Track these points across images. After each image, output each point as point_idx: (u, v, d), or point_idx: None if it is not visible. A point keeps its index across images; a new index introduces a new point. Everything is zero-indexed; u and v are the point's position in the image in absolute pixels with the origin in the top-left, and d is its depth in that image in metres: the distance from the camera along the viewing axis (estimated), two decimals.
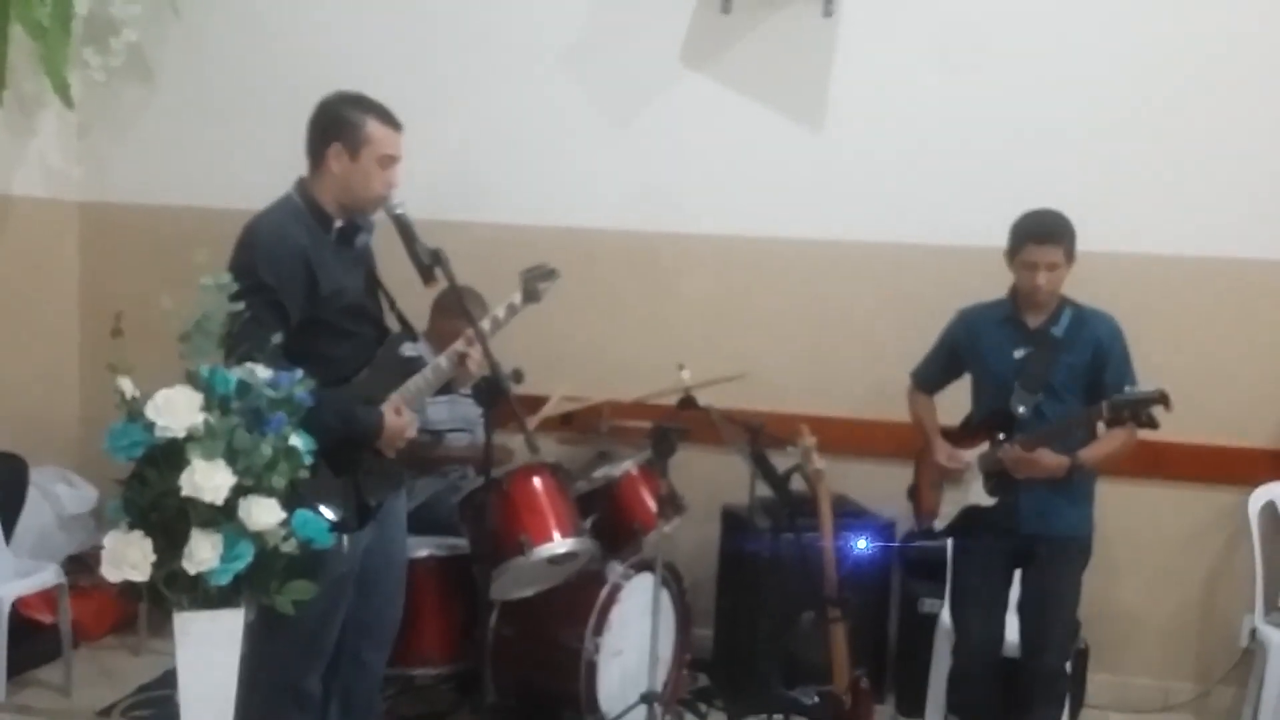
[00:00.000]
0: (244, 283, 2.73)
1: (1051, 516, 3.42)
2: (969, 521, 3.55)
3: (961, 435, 3.63)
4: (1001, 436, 3.44)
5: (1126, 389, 3.25)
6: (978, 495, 3.50)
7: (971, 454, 3.54)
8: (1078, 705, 4.08)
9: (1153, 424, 3.24)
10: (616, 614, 3.69)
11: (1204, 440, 4.15)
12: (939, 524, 3.65)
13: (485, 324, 3.09)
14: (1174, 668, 4.33)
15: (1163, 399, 3.18)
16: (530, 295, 3.16)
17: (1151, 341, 4.07)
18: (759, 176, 4.47)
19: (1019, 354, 3.45)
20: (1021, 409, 3.40)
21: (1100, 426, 3.44)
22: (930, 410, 3.75)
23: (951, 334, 3.69)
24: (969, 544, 3.60)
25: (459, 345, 3.06)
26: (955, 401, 3.70)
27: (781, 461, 3.63)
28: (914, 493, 3.79)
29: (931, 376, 3.76)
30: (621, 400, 4.14)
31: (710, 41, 4.47)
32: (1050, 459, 3.33)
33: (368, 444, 2.96)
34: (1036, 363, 3.42)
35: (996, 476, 3.46)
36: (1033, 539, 3.45)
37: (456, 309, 3.21)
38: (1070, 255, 3.38)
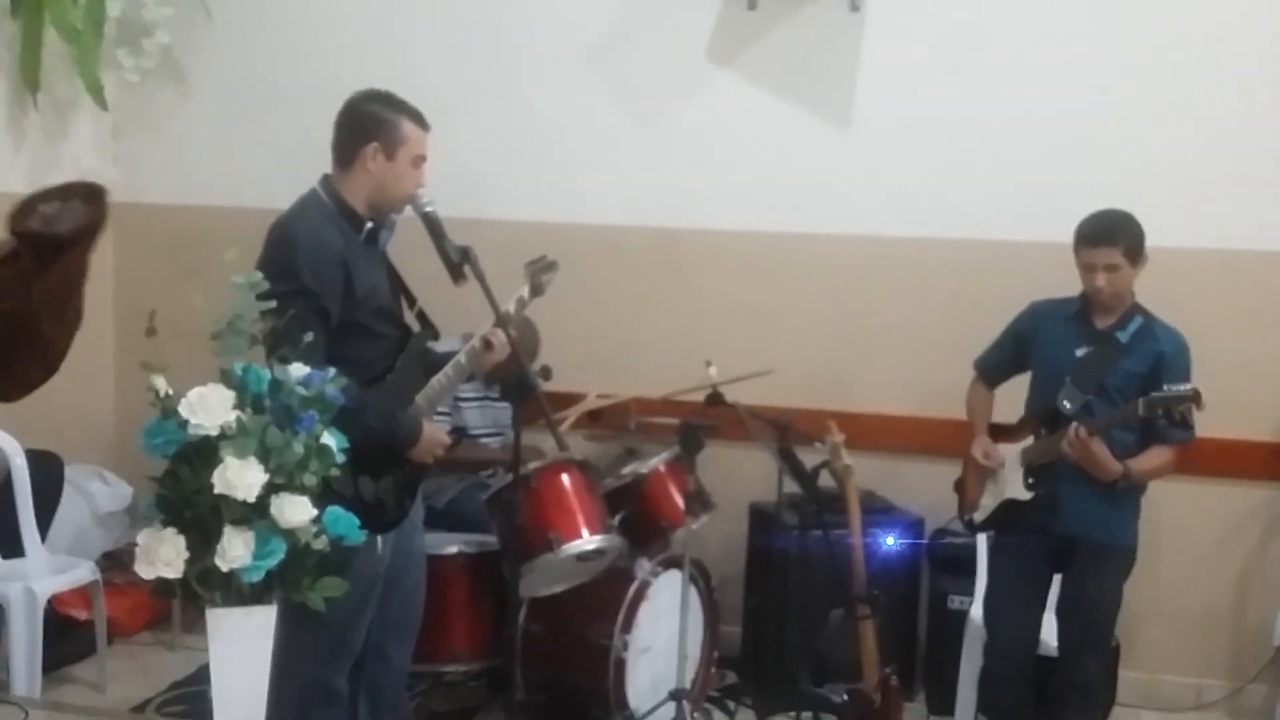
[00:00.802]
0: (287, 285, 2.76)
1: (1092, 521, 3.39)
2: (1008, 517, 3.54)
3: (1009, 431, 3.62)
4: (1044, 431, 3.43)
5: (1165, 387, 3.20)
6: (1016, 489, 3.50)
7: (1011, 450, 3.54)
8: (1109, 703, 4.05)
9: (1185, 424, 3.23)
10: (645, 611, 3.69)
11: (1236, 435, 4.12)
12: (978, 516, 3.65)
13: (501, 316, 3.12)
14: (1206, 665, 4.31)
15: (1195, 397, 3.15)
16: (537, 289, 3.19)
17: (1186, 336, 4.06)
18: (785, 172, 4.47)
19: (1080, 352, 3.43)
20: (1067, 404, 3.37)
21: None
22: (984, 403, 3.73)
23: (1018, 324, 3.66)
24: (1006, 541, 3.60)
25: (476, 342, 3.08)
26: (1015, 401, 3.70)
27: (809, 458, 3.63)
28: (960, 485, 3.78)
29: (994, 366, 3.73)
30: (649, 397, 4.16)
31: (736, 37, 4.47)
32: (1106, 456, 3.29)
33: (403, 450, 2.99)
34: (1095, 362, 3.40)
35: (1038, 471, 3.45)
36: (1072, 540, 3.43)
37: (519, 322, 3.23)
38: (1134, 257, 3.34)
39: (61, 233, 1.66)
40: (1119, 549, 3.46)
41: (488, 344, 3.05)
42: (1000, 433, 3.65)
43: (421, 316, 3.23)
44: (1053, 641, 3.56)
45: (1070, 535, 3.43)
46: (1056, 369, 3.47)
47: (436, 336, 3.28)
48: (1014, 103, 4.26)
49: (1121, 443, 3.36)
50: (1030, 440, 3.50)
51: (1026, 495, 3.47)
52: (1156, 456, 3.39)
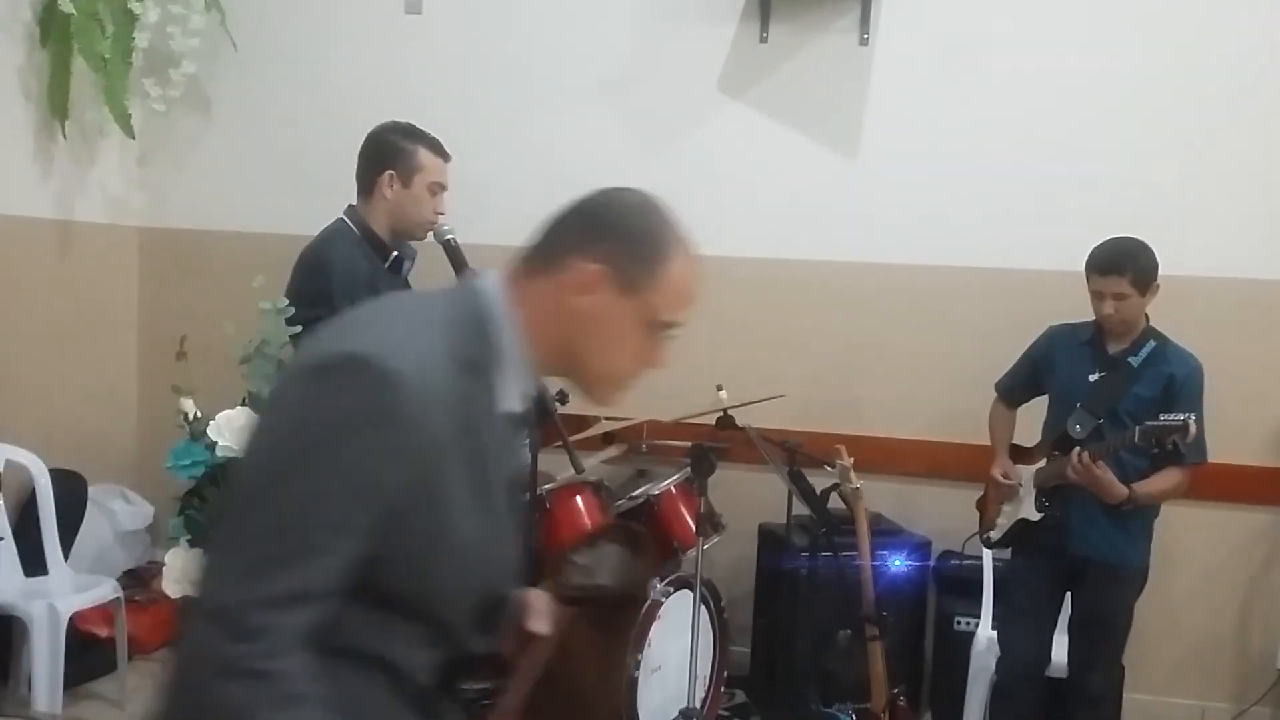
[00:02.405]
0: (321, 312, 2.84)
1: (1102, 543, 3.43)
2: (1021, 538, 3.59)
3: (1027, 453, 3.68)
4: (1055, 453, 3.49)
5: (1161, 417, 3.24)
6: (1028, 510, 3.55)
7: (1028, 471, 3.59)
8: None
9: (1177, 454, 3.26)
10: (656, 630, 3.72)
11: (1240, 461, 4.15)
12: (994, 535, 3.71)
13: None
14: (1210, 688, 4.33)
15: (1183, 428, 3.17)
16: None
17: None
18: (796, 201, 4.54)
19: (1093, 377, 3.47)
20: (1078, 428, 3.42)
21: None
22: (1005, 424, 3.78)
23: (1035, 348, 3.71)
24: (1019, 562, 3.64)
25: None
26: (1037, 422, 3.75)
27: (819, 481, 3.69)
28: (981, 504, 3.83)
29: (1012, 388, 3.78)
30: (661, 420, 4.21)
31: (748, 70, 4.55)
32: (1110, 479, 3.32)
33: None
34: (1106, 387, 3.44)
35: (1049, 493, 3.51)
36: (1084, 561, 3.47)
37: None
38: (1142, 286, 3.36)
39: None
40: (1129, 570, 3.49)
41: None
42: (1020, 454, 3.70)
43: None
44: (1064, 660, 3.59)
45: (1082, 556, 3.47)
46: (1070, 393, 3.52)
47: None
48: (1021, 132, 4.33)
49: (1133, 465, 3.40)
50: (1044, 462, 3.56)
51: (1037, 515, 3.52)
52: (1165, 479, 3.41)
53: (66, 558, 4.26)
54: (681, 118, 4.63)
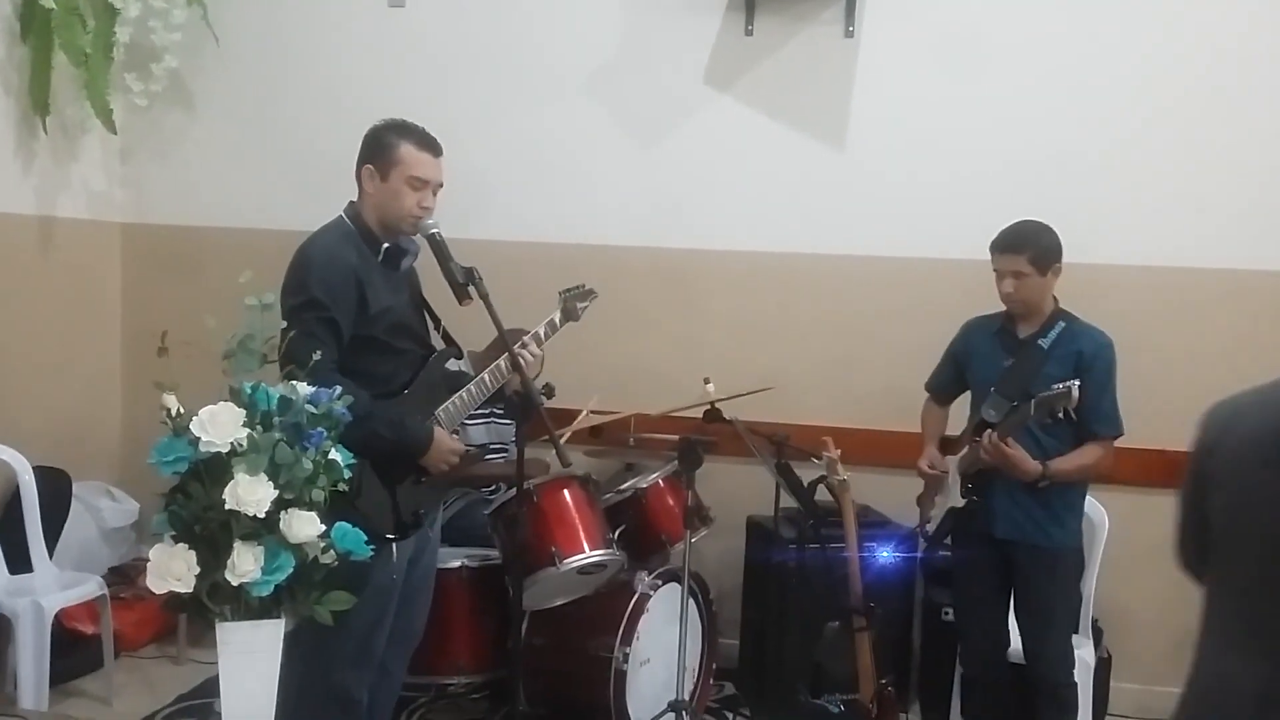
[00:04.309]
0: (298, 299, 2.87)
1: (1027, 523, 3.44)
2: (955, 526, 3.62)
3: (954, 442, 3.71)
4: (976, 440, 3.50)
5: (1052, 387, 3.24)
6: (954, 498, 3.58)
7: (954, 460, 3.62)
8: (1101, 713, 4.10)
9: (1069, 418, 3.27)
10: (644, 623, 3.75)
11: None
12: (929, 527, 3.74)
13: (529, 340, 3.21)
14: None
15: (1067, 394, 3.18)
16: (569, 314, 3.34)
17: (1170, 351, 4.13)
18: (782, 193, 4.54)
19: (1007, 363, 3.51)
20: (992, 413, 3.44)
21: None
22: (934, 420, 3.83)
23: (954, 343, 3.77)
24: (962, 553, 3.65)
25: (502, 362, 3.16)
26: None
27: (806, 473, 3.69)
28: (919, 498, 3.86)
29: (939, 386, 3.84)
30: (649, 413, 4.21)
31: (734, 63, 4.55)
32: (1022, 456, 3.35)
33: (414, 458, 3.05)
34: (1017, 371, 3.47)
35: (972, 478, 3.53)
36: (1010, 546, 3.47)
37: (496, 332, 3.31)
38: (1041, 265, 3.39)
39: None
40: (1059, 551, 3.47)
41: (515, 364, 3.10)
42: (949, 445, 3.74)
43: (446, 336, 3.32)
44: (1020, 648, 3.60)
45: (1009, 539, 3.47)
46: (986, 380, 3.55)
47: (460, 355, 3.34)
48: (1007, 123, 4.34)
49: (1053, 446, 3.41)
50: (966, 450, 3.58)
51: (962, 502, 3.55)
52: (1081, 455, 3.42)
53: (51, 555, 4.25)
54: (667, 111, 4.63)
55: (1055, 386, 3.23)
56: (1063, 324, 3.48)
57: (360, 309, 2.98)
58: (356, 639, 3.02)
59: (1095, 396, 3.36)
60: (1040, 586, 3.47)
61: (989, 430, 3.38)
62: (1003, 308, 3.55)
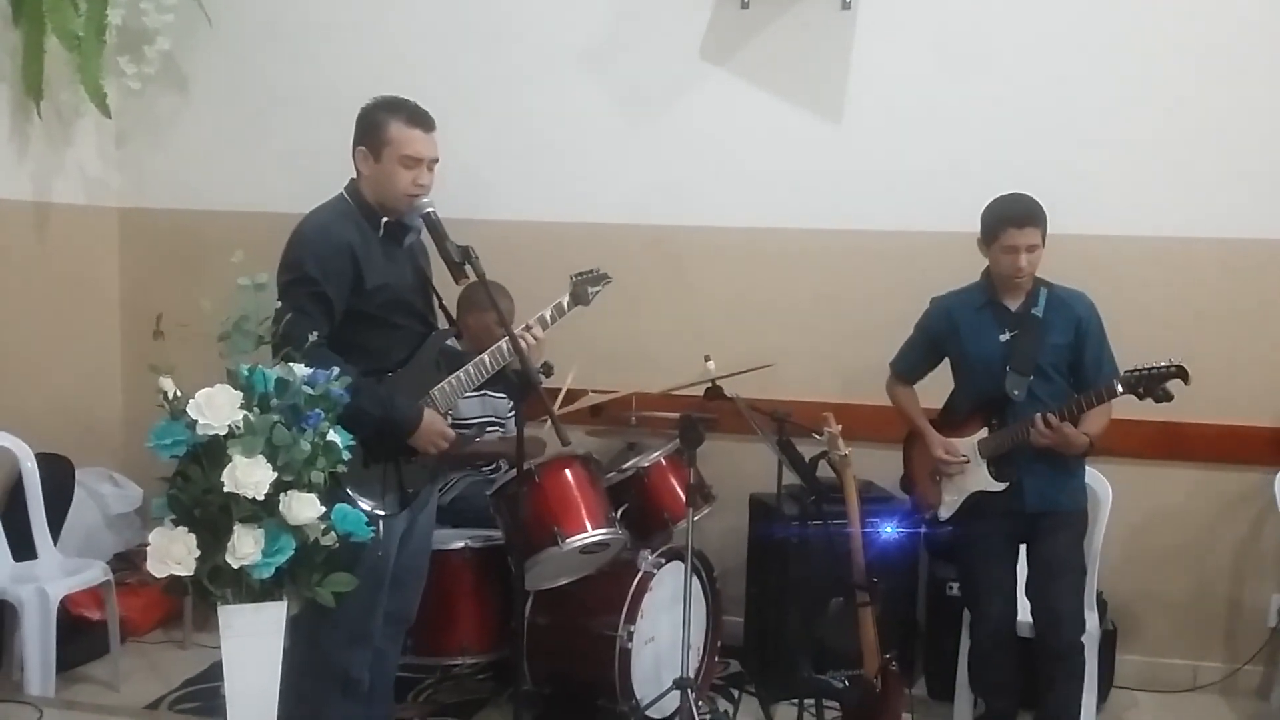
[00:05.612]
0: (291, 275, 2.87)
1: (1056, 493, 3.50)
2: (977, 508, 3.60)
3: (950, 423, 3.68)
4: (994, 422, 3.50)
5: (1144, 367, 3.26)
6: (984, 482, 3.55)
7: (967, 443, 3.59)
8: (1107, 686, 4.11)
9: (1168, 397, 3.27)
10: (648, 602, 3.74)
11: (1227, 421, 4.17)
12: (944, 512, 3.69)
13: (534, 323, 3.18)
14: (1202, 648, 4.35)
15: (1181, 373, 3.21)
16: (579, 298, 3.31)
17: (1173, 323, 4.12)
18: (780, 169, 4.51)
19: (1004, 337, 3.50)
20: (1016, 392, 3.44)
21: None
22: (915, 400, 3.82)
23: (929, 323, 3.74)
24: (974, 528, 3.63)
25: (502, 343, 3.14)
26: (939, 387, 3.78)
27: (808, 449, 3.68)
28: (909, 484, 3.85)
29: (912, 367, 3.82)
30: (649, 392, 4.20)
31: (730, 37, 4.52)
32: (1076, 434, 3.38)
33: (402, 437, 3.04)
34: (1023, 345, 3.46)
35: (1000, 460, 3.51)
36: (1037, 516, 3.51)
37: (485, 304, 3.29)
38: (1045, 236, 3.44)
39: None
40: (1077, 514, 3.57)
41: (516, 347, 3.08)
42: (938, 426, 3.70)
43: (446, 314, 3.31)
44: (1028, 620, 3.60)
45: (1037, 511, 3.51)
46: (984, 358, 3.53)
47: (460, 334, 3.32)
48: (1005, 97, 4.31)
49: (1047, 407, 3.42)
50: (984, 432, 3.56)
51: (998, 485, 3.52)
52: (1102, 415, 3.45)
53: (55, 542, 4.26)
54: (663, 86, 4.60)
55: (1155, 366, 3.23)
56: (1045, 291, 3.50)
57: (355, 284, 2.98)
58: (353, 620, 3.02)
59: (1098, 352, 3.47)
60: (1063, 546, 3.52)
61: (1042, 415, 3.37)
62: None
